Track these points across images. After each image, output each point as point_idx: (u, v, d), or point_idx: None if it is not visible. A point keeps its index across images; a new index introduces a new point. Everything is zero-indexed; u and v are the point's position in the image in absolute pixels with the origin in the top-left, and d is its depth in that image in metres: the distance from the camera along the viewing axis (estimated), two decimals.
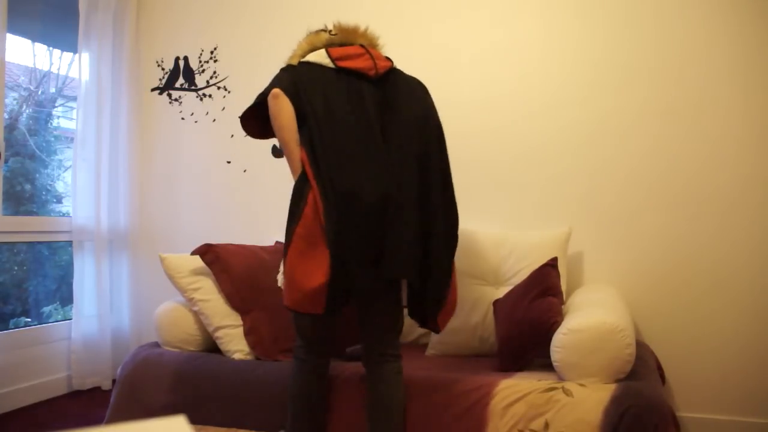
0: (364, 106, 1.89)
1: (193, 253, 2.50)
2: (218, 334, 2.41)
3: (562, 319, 2.04)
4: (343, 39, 2.03)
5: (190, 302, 2.47)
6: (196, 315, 2.49)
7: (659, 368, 2.44)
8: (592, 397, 1.79)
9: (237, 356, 2.37)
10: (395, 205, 1.80)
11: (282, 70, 1.98)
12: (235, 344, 2.39)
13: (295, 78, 1.91)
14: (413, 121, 1.92)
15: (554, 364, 1.94)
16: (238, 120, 2.13)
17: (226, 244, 2.55)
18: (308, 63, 1.96)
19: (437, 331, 1.96)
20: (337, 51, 1.96)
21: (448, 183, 1.96)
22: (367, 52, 1.99)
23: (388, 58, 2.04)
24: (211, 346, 2.50)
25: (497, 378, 1.96)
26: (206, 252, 2.47)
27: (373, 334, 1.94)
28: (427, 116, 1.97)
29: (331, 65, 1.94)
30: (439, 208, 1.89)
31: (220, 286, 2.45)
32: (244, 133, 3.48)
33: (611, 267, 2.73)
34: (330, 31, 2.06)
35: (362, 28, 2.10)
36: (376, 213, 1.79)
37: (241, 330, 2.40)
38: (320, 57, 1.96)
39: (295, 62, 2.01)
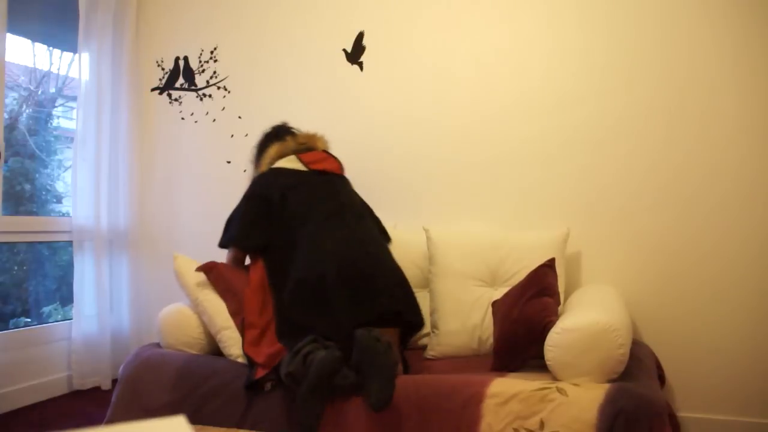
0: (336, 193, 2.47)
1: (198, 269, 2.50)
2: (221, 336, 2.38)
3: (557, 319, 2.04)
4: (308, 144, 2.60)
5: (194, 302, 2.47)
6: (200, 318, 2.48)
7: (659, 368, 2.44)
8: (587, 396, 1.79)
9: (240, 360, 2.36)
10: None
11: (261, 176, 2.56)
12: (238, 348, 2.36)
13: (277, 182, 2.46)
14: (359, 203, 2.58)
15: (547, 363, 1.94)
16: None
17: (230, 265, 2.57)
18: (281, 168, 2.51)
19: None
20: (307, 156, 2.53)
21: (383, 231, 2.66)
22: (329, 156, 2.59)
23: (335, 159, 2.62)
24: (214, 350, 2.48)
25: (491, 377, 1.96)
26: (211, 270, 2.48)
27: None
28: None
29: (303, 168, 2.50)
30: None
31: (226, 304, 2.45)
32: (244, 133, 3.53)
33: (610, 267, 2.73)
34: (296, 137, 2.63)
35: (319, 134, 2.68)
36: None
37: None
38: (292, 162, 2.52)
39: (264, 167, 2.57)
